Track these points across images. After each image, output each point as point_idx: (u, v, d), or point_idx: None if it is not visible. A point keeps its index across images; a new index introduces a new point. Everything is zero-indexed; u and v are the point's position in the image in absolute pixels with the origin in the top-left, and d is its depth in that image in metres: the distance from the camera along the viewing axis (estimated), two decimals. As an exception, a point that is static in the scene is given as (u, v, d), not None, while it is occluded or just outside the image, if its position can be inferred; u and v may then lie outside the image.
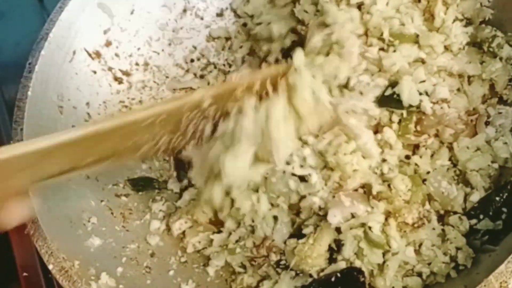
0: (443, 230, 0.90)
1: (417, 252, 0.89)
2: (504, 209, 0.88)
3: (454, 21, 0.97)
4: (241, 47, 1.18)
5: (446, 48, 0.97)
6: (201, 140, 0.90)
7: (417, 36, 0.96)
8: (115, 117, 0.90)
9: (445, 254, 0.88)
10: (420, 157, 0.94)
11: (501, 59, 0.96)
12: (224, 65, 1.19)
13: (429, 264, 0.88)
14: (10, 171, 0.75)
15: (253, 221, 0.97)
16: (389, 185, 0.91)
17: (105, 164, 0.84)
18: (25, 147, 0.77)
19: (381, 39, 0.97)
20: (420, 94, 0.93)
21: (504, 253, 0.78)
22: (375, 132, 0.94)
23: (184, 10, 1.18)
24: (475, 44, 0.99)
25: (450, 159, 0.94)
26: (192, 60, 1.19)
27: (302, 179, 0.94)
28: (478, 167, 0.91)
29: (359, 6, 0.99)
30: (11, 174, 0.75)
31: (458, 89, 0.97)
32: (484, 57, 0.98)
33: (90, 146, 0.81)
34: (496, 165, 0.92)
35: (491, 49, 0.96)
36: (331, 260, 0.91)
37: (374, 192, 0.91)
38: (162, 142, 0.87)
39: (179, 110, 0.86)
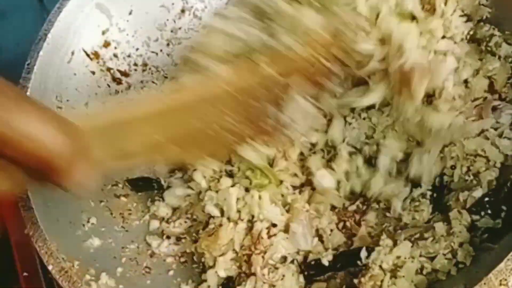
0: (448, 222, 0.90)
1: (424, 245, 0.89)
2: (504, 207, 0.88)
3: (453, 11, 0.98)
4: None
5: (448, 39, 0.98)
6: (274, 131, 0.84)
7: (414, 17, 0.97)
8: (188, 90, 0.81)
9: (446, 248, 0.88)
10: None
11: (499, 57, 0.96)
12: (221, 65, 1.19)
13: (432, 259, 0.88)
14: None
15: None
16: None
17: (178, 153, 0.80)
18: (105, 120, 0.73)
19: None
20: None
21: (503, 251, 0.78)
22: None
23: (182, 11, 1.18)
24: (474, 40, 0.99)
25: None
26: (190, 60, 1.19)
27: None
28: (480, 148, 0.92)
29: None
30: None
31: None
32: (483, 54, 0.98)
33: (168, 122, 0.77)
34: (498, 164, 0.91)
35: (489, 48, 0.97)
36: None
37: None
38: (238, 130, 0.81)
39: (254, 87, 0.80)
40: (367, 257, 0.90)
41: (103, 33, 1.09)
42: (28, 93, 0.96)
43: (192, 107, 0.79)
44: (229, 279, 0.95)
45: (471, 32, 0.99)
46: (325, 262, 0.93)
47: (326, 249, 0.95)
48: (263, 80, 0.80)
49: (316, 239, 0.97)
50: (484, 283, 0.75)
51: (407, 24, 0.96)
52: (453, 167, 0.94)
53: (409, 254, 0.87)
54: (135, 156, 0.77)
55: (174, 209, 1.03)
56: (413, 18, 0.97)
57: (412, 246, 0.88)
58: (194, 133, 0.79)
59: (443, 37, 0.97)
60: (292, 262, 0.95)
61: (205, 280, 0.96)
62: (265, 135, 0.83)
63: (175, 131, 0.78)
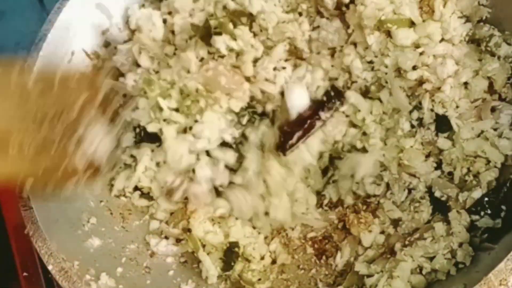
0: (448, 222, 0.90)
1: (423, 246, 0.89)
2: (503, 207, 0.88)
3: (452, 13, 0.98)
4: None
5: (447, 41, 0.98)
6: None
7: (413, 22, 0.97)
8: None
9: (445, 248, 0.88)
10: None
11: (499, 57, 0.96)
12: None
13: (431, 259, 0.88)
14: None
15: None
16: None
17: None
18: None
19: (376, 28, 0.98)
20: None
21: (503, 251, 0.79)
22: None
23: (183, 10, 1.18)
24: (474, 41, 0.99)
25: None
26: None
27: None
28: (480, 149, 0.92)
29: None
30: None
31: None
32: (483, 55, 0.98)
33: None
34: (498, 164, 0.91)
35: (488, 48, 0.96)
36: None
37: None
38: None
39: None
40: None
41: (103, 33, 1.09)
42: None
43: None
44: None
45: (471, 33, 0.98)
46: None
47: None
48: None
49: None
50: (484, 283, 0.75)
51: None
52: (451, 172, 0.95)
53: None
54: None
55: (172, 213, 1.03)
56: (412, 23, 0.97)
57: (410, 246, 0.89)
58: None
59: (442, 40, 0.97)
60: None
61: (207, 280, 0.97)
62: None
63: None
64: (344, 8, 1.01)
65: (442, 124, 0.96)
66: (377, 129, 0.98)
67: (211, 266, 0.96)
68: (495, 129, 0.93)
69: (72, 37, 1.04)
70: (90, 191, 0.99)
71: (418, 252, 0.88)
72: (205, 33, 0.99)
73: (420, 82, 0.96)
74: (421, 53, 0.97)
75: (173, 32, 1.04)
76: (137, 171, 1.01)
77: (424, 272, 0.88)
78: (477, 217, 0.89)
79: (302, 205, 0.99)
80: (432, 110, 0.96)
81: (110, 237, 0.97)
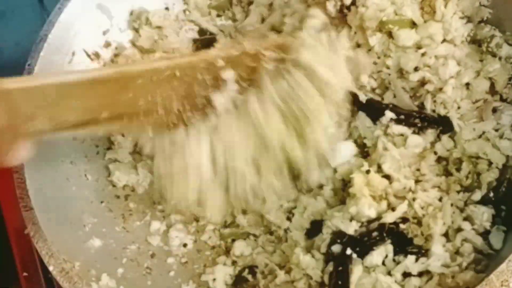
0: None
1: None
2: (503, 207, 0.88)
3: (453, 14, 0.98)
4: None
5: (448, 42, 0.98)
6: (207, 112, 0.86)
7: (414, 23, 0.97)
8: (134, 64, 0.92)
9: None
10: None
11: (500, 58, 0.96)
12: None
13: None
14: (22, 106, 0.72)
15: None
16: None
17: (119, 126, 0.82)
18: (38, 80, 0.75)
19: (377, 29, 0.98)
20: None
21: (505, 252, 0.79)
22: None
23: (184, 11, 1.18)
24: (475, 42, 1.00)
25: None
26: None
27: None
28: (482, 151, 0.91)
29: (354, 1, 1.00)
30: (23, 110, 0.72)
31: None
32: (484, 55, 0.98)
33: (109, 93, 0.79)
34: (500, 165, 0.91)
35: (489, 49, 0.97)
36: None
37: None
38: (173, 108, 0.83)
39: (195, 67, 0.83)
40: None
41: (104, 33, 1.09)
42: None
43: (133, 79, 0.81)
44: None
45: (472, 34, 0.99)
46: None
47: None
48: (205, 63, 0.84)
49: None
50: (486, 284, 0.75)
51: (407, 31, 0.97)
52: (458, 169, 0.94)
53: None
54: (73, 127, 0.78)
55: None
56: (413, 24, 0.97)
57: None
58: (130, 105, 0.81)
59: (443, 40, 0.97)
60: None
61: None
62: (195, 112, 0.85)
63: (113, 100, 0.80)
64: (345, 11, 1.01)
65: (444, 125, 0.96)
66: None
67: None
68: (496, 130, 0.93)
69: (72, 37, 1.04)
70: None
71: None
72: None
73: (422, 83, 0.96)
74: (422, 54, 0.97)
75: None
76: None
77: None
78: (478, 217, 0.89)
79: None
80: (434, 111, 0.97)
81: (111, 237, 0.97)
